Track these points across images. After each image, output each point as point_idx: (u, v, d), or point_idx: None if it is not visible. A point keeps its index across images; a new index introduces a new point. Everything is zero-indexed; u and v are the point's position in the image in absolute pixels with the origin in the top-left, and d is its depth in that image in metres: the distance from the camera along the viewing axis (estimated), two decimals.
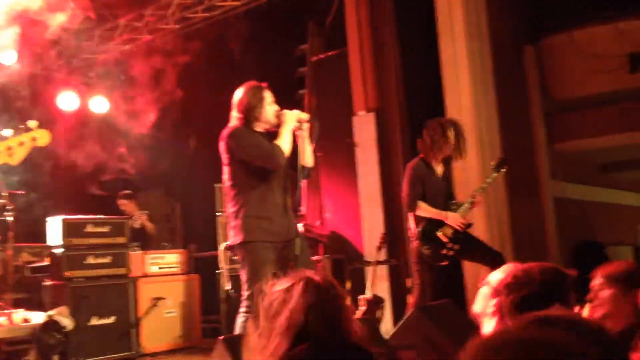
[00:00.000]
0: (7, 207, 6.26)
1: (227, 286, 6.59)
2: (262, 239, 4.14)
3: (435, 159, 5.31)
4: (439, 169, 5.37)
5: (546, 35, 7.61)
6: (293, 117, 4.27)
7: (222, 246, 6.80)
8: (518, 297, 2.04)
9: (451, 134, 5.22)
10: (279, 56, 8.91)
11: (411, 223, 5.32)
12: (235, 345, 3.09)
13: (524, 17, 7.62)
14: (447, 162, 5.46)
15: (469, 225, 5.25)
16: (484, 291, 2.50)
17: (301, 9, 8.48)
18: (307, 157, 4.32)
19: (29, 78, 9.04)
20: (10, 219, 6.26)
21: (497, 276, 2.50)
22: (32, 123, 3.60)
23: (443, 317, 4.16)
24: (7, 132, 3.52)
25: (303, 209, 7.72)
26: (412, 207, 5.18)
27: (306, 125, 4.32)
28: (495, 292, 2.44)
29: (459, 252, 5.18)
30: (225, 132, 4.26)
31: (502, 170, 5.28)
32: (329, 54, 7.98)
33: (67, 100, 9.62)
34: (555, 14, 7.57)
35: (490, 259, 5.21)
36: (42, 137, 3.61)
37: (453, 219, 5.12)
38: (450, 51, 6.58)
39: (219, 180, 7.01)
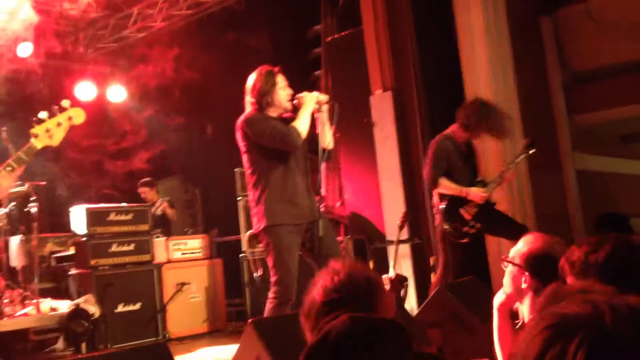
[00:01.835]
0: (31, 198, 6.32)
1: (258, 272, 6.64)
2: (286, 222, 4.16)
3: (463, 138, 5.26)
4: (463, 146, 5.33)
5: (563, 5, 7.49)
6: (312, 99, 4.27)
7: (247, 234, 6.84)
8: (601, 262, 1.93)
9: (491, 123, 5.16)
10: (294, 38, 8.88)
11: (435, 200, 5.30)
12: (264, 327, 3.10)
13: None
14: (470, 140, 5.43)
15: (493, 203, 5.21)
16: (510, 271, 2.47)
17: None
18: (328, 139, 4.31)
19: (44, 69, 9.09)
20: (34, 209, 6.32)
21: (519, 250, 2.46)
22: (65, 102, 3.61)
23: (468, 294, 4.15)
24: (43, 114, 3.53)
25: (323, 191, 7.72)
26: (434, 184, 5.15)
27: (325, 107, 4.31)
28: (523, 267, 2.41)
29: (483, 229, 5.16)
30: (240, 121, 4.28)
31: (532, 151, 5.21)
32: (344, 33, 7.92)
33: (84, 90, 9.67)
34: None
35: (515, 233, 5.18)
36: (78, 115, 3.63)
37: (474, 194, 5.08)
38: (466, 25, 6.51)
39: (239, 165, 7.04)
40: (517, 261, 2.43)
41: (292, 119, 4.26)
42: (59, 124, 3.56)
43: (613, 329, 0.87)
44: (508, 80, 6.59)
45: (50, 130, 3.54)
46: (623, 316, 0.89)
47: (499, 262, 5.93)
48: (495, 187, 5.15)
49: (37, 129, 3.53)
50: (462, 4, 6.56)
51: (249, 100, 4.33)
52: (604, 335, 0.87)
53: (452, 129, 5.29)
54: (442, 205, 5.14)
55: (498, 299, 2.59)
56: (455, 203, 5.11)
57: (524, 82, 6.71)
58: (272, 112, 4.31)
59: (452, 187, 5.12)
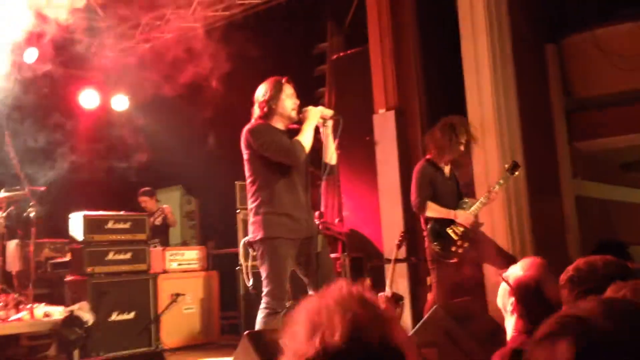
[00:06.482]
0: (29, 203, 6.32)
1: (249, 282, 6.60)
2: (283, 235, 4.15)
3: (444, 160, 5.32)
4: (447, 169, 5.38)
5: (568, 33, 7.55)
6: (317, 114, 4.28)
7: (242, 242, 6.82)
8: (582, 291, 2.01)
9: (463, 138, 5.25)
10: (299, 55, 8.92)
11: (422, 223, 5.34)
12: (260, 340, 3.10)
13: (546, 16, 7.58)
14: (454, 162, 5.48)
15: (480, 225, 5.25)
16: (503, 287, 2.49)
17: (320, 8, 8.48)
18: (331, 154, 4.32)
19: (49, 75, 9.13)
20: (32, 214, 6.31)
21: (515, 273, 2.48)
22: None
23: (465, 315, 4.15)
24: None
25: (322, 207, 7.72)
26: (422, 209, 5.21)
27: (330, 122, 4.33)
28: (513, 291, 2.43)
29: (470, 251, 5.18)
30: (245, 129, 4.29)
31: (515, 173, 5.26)
32: (349, 52, 7.97)
33: (88, 98, 9.71)
34: (577, 12, 7.51)
35: (502, 262, 5.21)
36: None
37: (463, 217, 5.13)
38: (471, 49, 6.56)
39: (239, 178, 7.03)
40: (510, 282, 2.45)
41: (297, 130, 4.27)
42: None
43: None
44: (511, 105, 6.62)
45: None
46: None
47: (495, 281, 5.94)
48: (480, 208, 5.20)
49: None
50: (468, 27, 6.61)
51: (255, 110, 4.35)
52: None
53: (430, 151, 5.38)
54: (429, 226, 5.19)
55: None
56: (442, 223, 5.16)
57: (526, 108, 6.75)
58: (277, 121, 4.32)
59: (440, 210, 5.18)
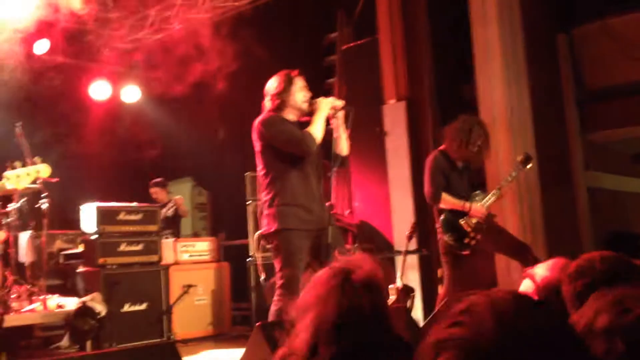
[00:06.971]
0: (42, 194, 6.35)
1: (262, 275, 6.61)
2: (297, 227, 4.16)
3: (456, 155, 5.28)
4: (459, 162, 5.34)
5: (580, 23, 7.49)
6: (327, 105, 4.28)
7: (255, 235, 6.84)
8: (580, 286, 2.00)
9: (479, 140, 5.17)
10: (308, 45, 8.90)
11: (435, 214, 5.33)
12: (271, 331, 3.11)
13: (557, 6, 7.52)
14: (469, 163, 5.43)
15: (493, 216, 5.22)
16: (526, 285, 2.46)
17: None
18: (342, 145, 4.33)
19: (60, 67, 9.15)
20: (45, 206, 6.34)
21: (541, 272, 2.45)
22: (37, 159, 4.46)
23: None
24: (17, 164, 4.37)
25: (332, 198, 7.71)
26: (435, 200, 5.19)
27: (341, 113, 4.32)
28: (537, 290, 2.39)
29: (483, 242, 5.16)
30: (257, 121, 4.30)
31: (528, 166, 5.24)
32: (359, 42, 7.94)
33: (98, 90, 9.72)
34: (589, 1, 7.45)
35: (516, 251, 5.20)
36: (44, 171, 4.45)
37: (475, 210, 5.10)
38: (482, 39, 6.52)
39: (249, 169, 7.05)
40: (537, 281, 2.42)
41: (309, 122, 4.28)
42: (28, 174, 4.36)
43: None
44: (522, 96, 6.59)
45: (20, 177, 4.33)
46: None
47: (507, 275, 5.93)
48: (493, 201, 5.18)
49: (9, 173, 4.32)
50: (479, 18, 6.57)
51: (267, 102, 4.36)
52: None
53: (445, 145, 5.34)
54: (442, 217, 5.18)
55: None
56: (455, 215, 5.13)
57: (538, 98, 6.71)
58: (289, 114, 4.33)
59: (454, 202, 5.15)
